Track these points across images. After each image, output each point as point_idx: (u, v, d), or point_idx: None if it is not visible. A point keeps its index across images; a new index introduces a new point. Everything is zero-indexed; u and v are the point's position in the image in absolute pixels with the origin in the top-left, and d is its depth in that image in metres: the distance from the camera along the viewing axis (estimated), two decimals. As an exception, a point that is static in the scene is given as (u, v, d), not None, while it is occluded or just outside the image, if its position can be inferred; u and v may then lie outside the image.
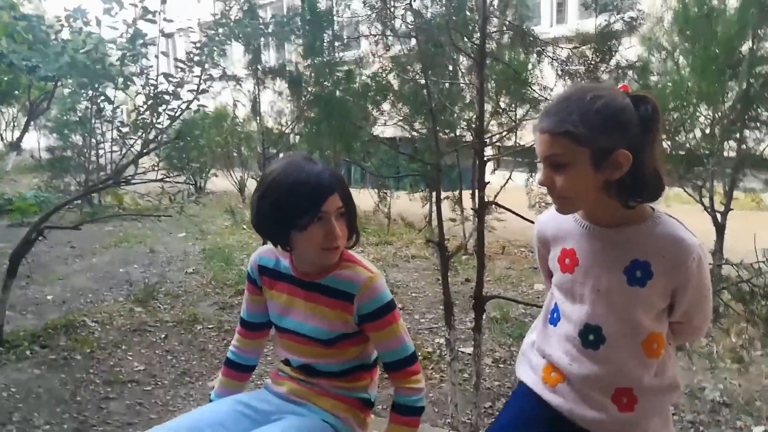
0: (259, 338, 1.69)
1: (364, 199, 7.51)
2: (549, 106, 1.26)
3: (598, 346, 1.32)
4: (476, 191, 2.38)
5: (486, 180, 2.49)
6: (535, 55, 2.49)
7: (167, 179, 3.85)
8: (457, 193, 5.18)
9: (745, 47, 3.77)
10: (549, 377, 1.41)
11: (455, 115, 2.88)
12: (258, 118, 4.65)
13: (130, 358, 3.61)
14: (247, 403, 1.54)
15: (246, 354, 1.70)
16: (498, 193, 2.73)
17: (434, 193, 2.97)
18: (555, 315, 1.43)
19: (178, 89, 3.63)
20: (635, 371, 1.31)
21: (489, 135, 2.96)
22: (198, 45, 3.49)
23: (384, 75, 3.09)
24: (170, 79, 3.63)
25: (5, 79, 9.76)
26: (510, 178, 3.20)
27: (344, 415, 1.53)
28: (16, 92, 11.71)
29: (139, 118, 3.86)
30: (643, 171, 1.20)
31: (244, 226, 7.29)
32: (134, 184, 3.75)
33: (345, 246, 1.49)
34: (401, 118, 3.03)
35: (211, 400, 1.69)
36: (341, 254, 1.50)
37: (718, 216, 3.96)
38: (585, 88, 1.27)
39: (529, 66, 2.69)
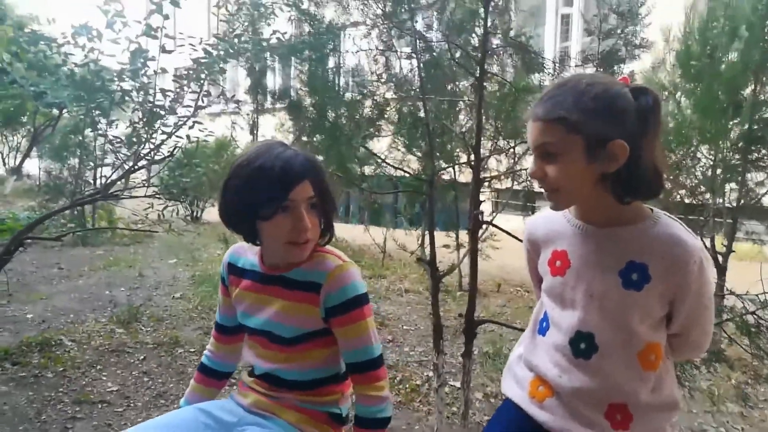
0: (234, 343, 1.57)
1: (358, 233, 7.46)
2: (543, 94, 1.19)
3: (590, 356, 1.21)
4: (471, 210, 2.29)
5: (481, 200, 2.40)
6: (535, 76, 2.46)
7: (158, 194, 3.76)
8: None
9: (747, 90, 3.76)
10: (536, 391, 1.29)
11: (452, 134, 2.82)
12: (255, 141, 4.60)
13: (104, 378, 3.45)
14: (210, 413, 1.42)
15: (220, 359, 1.59)
16: (494, 216, 2.64)
17: (428, 213, 2.89)
18: (544, 324, 1.32)
19: (175, 105, 3.59)
20: (630, 385, 1.19)
21: (487, 156, 2.90)
22: (197, 60, 3.48)
23: (383, 95, 3.05)
24: (167, 94, 3.60)
25: (12, 105, 9.83)
26: (506, 201, 3.13)
27: (311, 430, 1.39)
28: (23, 118, 11.77)
29: (134, 133, 3.81)
30: (640, 165, 1.12)
31: (237, 255, 7.17)
32: (123, 198, 3.66)
33: (318, 242, 1.36)
34: (396, 133, 2.97)
35: (180, 407, 1.57)
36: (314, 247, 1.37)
37: (720, 258, 3.87)
38: (582, 75, 1.20)
39: (531, 89, 2.65)
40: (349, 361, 1.37)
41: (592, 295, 1.21)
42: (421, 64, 2.71)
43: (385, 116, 2.91)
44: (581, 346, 1.22)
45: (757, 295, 2.16)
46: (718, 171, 3.90)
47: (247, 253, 1.46)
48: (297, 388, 1.40)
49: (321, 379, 1.41)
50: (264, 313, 1.39)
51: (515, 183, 3.86)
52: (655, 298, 1.17)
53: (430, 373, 3.49)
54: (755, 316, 2.15)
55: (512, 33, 2.95)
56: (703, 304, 1.19)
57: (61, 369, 3.50)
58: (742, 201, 3.93)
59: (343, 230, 8.66)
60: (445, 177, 4.70)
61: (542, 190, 1.21)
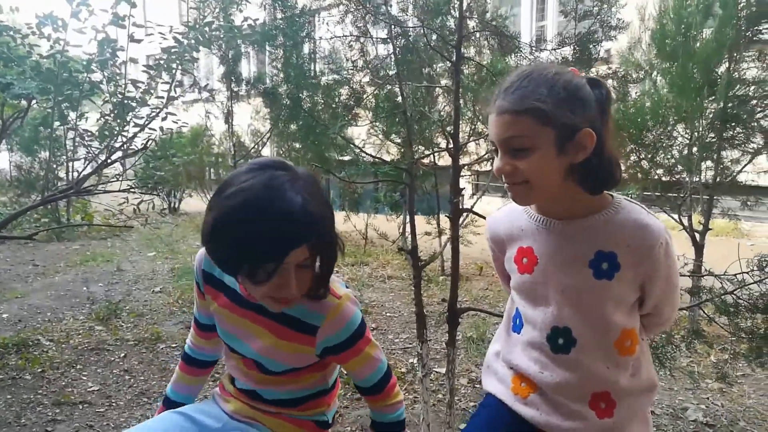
0: (215, 337, 1.48)
1: (339, 220, 7.41)
2: (505, 85, 1.13)
3: (569, 350, 1.21)
4: (451, 198, 2.27)
5: (461, 187, 2.38)
6: (511, 58, 2.43)
7: (132, 189, 3.67)
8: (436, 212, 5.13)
9: (722, 68, 3.78)
10: (519, 388, 1.28)
11: (429, 120, 2.78)
12: (230, 130, 4.51)
13: (84, 378, 3.39)
14: (193, 418, 1.38)
15: (202, 350, 1.53)
16: (474, 203, 2.62)
17: (407, 202, 2.87)
18: (518, 321, 1.31)
19: (146, 96, 3.49)
20: (611, 373, 1.20)
21: (465, 142, 2.88)
22: (167, 49, 3.38)
23: (359, 83, 3.00)
24: (138, 85, 3.50)
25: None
26: (485, 190, 3.11)
27: None
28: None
29: (105, 126, 3.71)
30: (604, 154, 1.12)
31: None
32: (97, 193, 3.57)
33: (304, 296, 1.21)
34: (374, 122, 2.92)
35: (166, 396, 1.53)
36: None
37: (697, 236, 3.91)
38: (544, 65, 1.16)
39: (507, 70, 2.62)
40: (363, 386, 1.35)
41: (564, 289, 1.20)
42: (397, 50, 2.66)
43: (362, 103, 2.85)
44: (559, 341, 1.22)
45: (735, 275, 2.18)
46: (695, 149, 3.92)
47: None
48: (282, 406, 1.36)
49: (307, 396, 1.37)
50: (250, 342, 1.30)
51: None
52: (627, 285, 1.18)
53: (415, 361, 3.49)
54: (733, 296, 2.17)
55: (488, 15, 2.91)
56: (672, 282, 1.22)
57: (40, 370, 3.43)
58: (718, 178, 3.97)
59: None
60: (426, 161, 4.67)
61: (506, 185, 1.16)
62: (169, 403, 1.52)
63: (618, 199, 1.19)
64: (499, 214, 1.33)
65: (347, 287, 1.32)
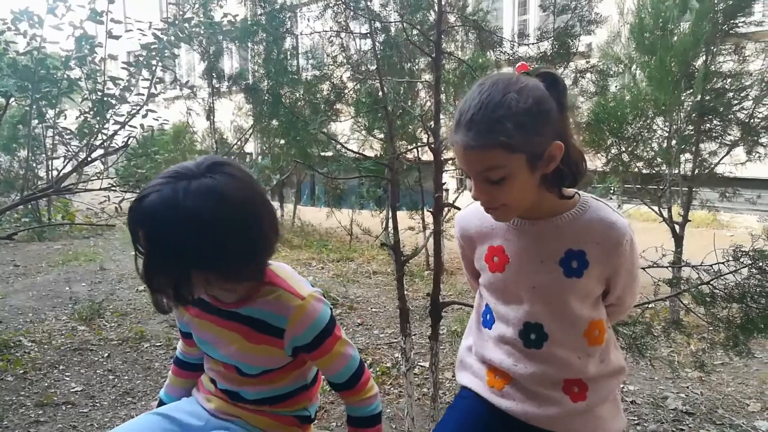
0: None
1: (324, 216, 7.39)
2: (467, 114, 1.07)
3: (541, 345, 1.24)
4: (434, 192, 2.28)
5: (443, 182, 2.39)
6: (491, 52, 2.44)
7: (113, 188, 3.64)
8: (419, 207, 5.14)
9: (699, 61, 3.83)
10: (494, 380, 1.31)
11: (411, 115, 2.79)
12: (212, 127, 4.48)
13: (68, 379, 3.36)
14: (174, 418, 1.38)
15: (192, 355, 1.53)
16: (456, 198, 2.64)
17: (390, 197, 2.87)
18: (488, 317, 1.33)
19: (126, 93, 3.45)
20: (581, 362, 1.24)
21: (445, 138, 2.89)
22: (146, 46, 3.34)
23: (340, 78, 2.99)
24: (117, 82, 3.46)
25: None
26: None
27: None
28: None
29: (85, 123, 3.66)
30: (571, 154, 1.13)
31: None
32: (77, 192, 3.53)
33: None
34: (355, 117, 2.92)
35: (160, 400, 1.54)
36: (264, 275, 1.24)
37: (677, 227, 3.97)
38: (501, 86, 1.07)
39: (487, 64, 2.64)
40: (336, 382, 1.35)
41: (535, 287, 1.22)
42: (378, 45, 2.66)
43: (343, 99, 2.85)
44: (531, 336, 1.24)
45: (711, 266, 2.22)
46: (673, 142, 3.98)
47: None
48: (262, 404, 1.37)
49: (289, 393, 1.38)
50: (223, 349, 1.31)
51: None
52: (594, 280, 1.21)
53: (399, 355, 3.51)
54: (710, 286, 2.21)
55: (469, 9, 2.92)
56: (634, 274, 1.26)
57: (22, 371, 3.40)
58: (697, 170, 4.03)
59: (308, 214, 8.59)
60: (410, 156, 4.68)
61: (485, 206, 1.16)
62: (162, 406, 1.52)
63: (585, 197, 1.22)
64: (468, 211, 1.33)
65: (312, 286, 1.31)
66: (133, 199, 1.13)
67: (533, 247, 1.22)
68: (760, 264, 2.13)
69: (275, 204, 7.58)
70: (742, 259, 2.16)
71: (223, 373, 1.37)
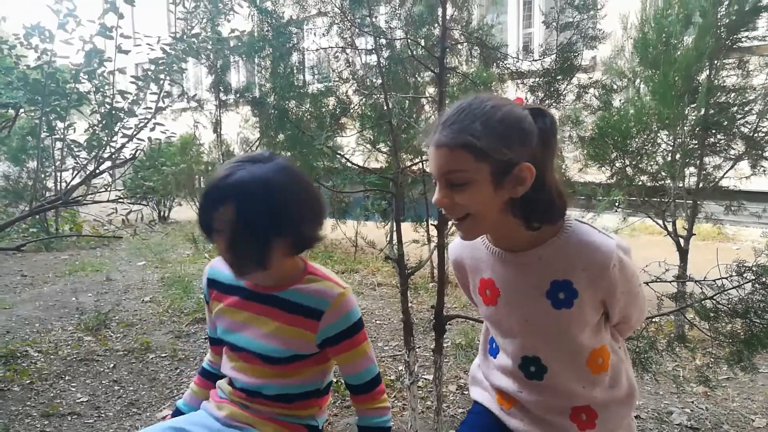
0: None
1: (327, 227, 7.41)
2: (443, 118, 1.11)
3: (542, 377, 1.22)
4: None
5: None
6: (495, 68, 2.47)
7: (121, 200, 3.68)
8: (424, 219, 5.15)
9: (702, 76, 3.84)
10: (503, 400, 1.32)
11: (415, 129, 2.82)
12: (219, 139, 4.53)
13: (73, 389, 3.38)
14: (183, 430, 1.40)
15: (218, 365, 1.57)
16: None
17: (394, 210, 2.90)
18: (494, 346, 1.34)
19: (134, 107, 3.50)
20: (586, 391, 1.22)
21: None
22: (154, 60, 3.40)
23: (345, 93, 3.03)
24: (126, 96, 3.51)
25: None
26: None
27: None
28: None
29: (93, 136, 3.71)
30: (545, 187, 1.09)
31: (206, 255, 7.08)
32: (85, 204, 3.57)
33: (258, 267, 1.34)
34: (360, 131, 2.95)
35: (176, 408, 1.59)
36: (304, 266, 1.38)
37: (681, 241, 3.96)
38: (483, 97, 1.12)
39: (491, 79, 2.66)
40: (354, 383, 1.40)
41: (528, 320, 1.20)
42: (382, 60, 2.70)
43: (348, 113, 2.89)
44: (531, 369, 1.23)
45: (714, 281, 2.22)
46: (677, 156, 3.98)
47: (227, 269, 1.42)
48: (278, 401, 1.39)
49: (303, 394, 1.41)
50: (252, 332, 1.37)
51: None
52: (587, 308, 1.17)
53: (404, 369, 3.51)
54: (713, 301, 2.21)
55: (474, 24, 2.95)
56: (633, 292, 1.20)
57: (28, 381, 3.42)
58: (701, 184, 4.04)
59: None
60: (415, 168, 4.71)
61: (449, 216, 1.16)
62: (178, 415, 1.55)
63: (569, 222, 1.16)
64: (461, 242, 1.31)
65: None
66: (209, 181, 1.27)
67: (519, 279, 1.19)
68: (764, 279, 2.13)
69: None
70: (745, 275, 2.17)
71: (245, 367, 1.39)
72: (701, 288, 2.27)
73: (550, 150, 1.10)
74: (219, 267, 1.47)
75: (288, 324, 1.34)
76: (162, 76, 3.52)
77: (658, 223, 4.08)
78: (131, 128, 3.91)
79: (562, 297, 1.15)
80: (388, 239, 4.44)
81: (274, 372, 1.37)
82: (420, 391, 3.15)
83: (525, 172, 1.07)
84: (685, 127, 3.96)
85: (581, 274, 1.13)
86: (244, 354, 1.40)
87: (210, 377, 1.60)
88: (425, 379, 3.35)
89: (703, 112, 3.81)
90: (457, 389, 3.31)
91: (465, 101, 1.12)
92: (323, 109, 2.99)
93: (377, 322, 4.66)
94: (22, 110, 3.96)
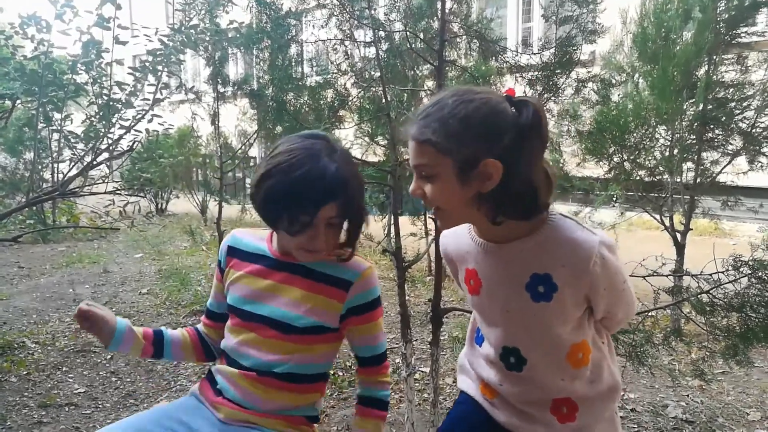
0: (221, 329, 1.52)
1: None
2: (418, 110, 1.14)
3: (521, 368, 1.23)
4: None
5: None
6: (494, 61, 2.46)
7: (118, 191, 3.67)
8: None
9: (701, 71, 3.85)
10: (486, 390, 1.33)
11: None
12: (217, 131, 4.52)
13: (71, 380, 3.39)
14: (185, 423, 1.38)
15: (208, 336, 1.56)
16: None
17: (392, 203, 2.90)
18: (480, 334, 1.35)
19: (131, 98, 3.49)
20: (566, 384, 1.22)
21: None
22: (152, 52, 3.38)
23: (343, 85, 3.02)
24: (123, 87, 3.50)
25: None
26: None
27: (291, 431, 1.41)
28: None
29: (91, 127, 3.70)
30: (514, 184, 1.06)
31: (203, 247, 7.09)
32: (82, 195, 3.56)
33: (331, 255, 1.38)
34: (358, 124, 2.95)
35: (160, 330, 1.53)
36: None
37: (678, 236, 3.98)
38: (457, 91, 1.11)
39: (490, 72, 2.66)
40: (365, 355, 1.45)
41: (508, 311, 1.21)
42: (381, 53, 2.69)
43: (347, 106, 2.88)
44: (510, 360, 1.24)
45: (710, 275, 2.23)
46: (675, 151, 3.99)
47: (251, 238, 1.45)
48: (288, 382, 1.38)
49: (312, 376, 1.42)
50: (274, 301, 1.37)
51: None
52: (568, 303, 1.16)
53: (400, 360, 3.52)
54: (709, 295, 2.22)
55: (473, 17, 2.94)
56: (618, 288, 1.18)
57: (25, 372, 3.43)
58: (699, 179, 4.04)
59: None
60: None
61: (426, 205, 1.17)
62: (160, 336, 1.51)
63: (553, 217, 1.16)
64: (448, 233, 1.32)
65: None
66: (308, 172, 1.23)
67: (500, 271, 1.19)
68: (760, 274, 2.14)
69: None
70: (741, 269, 2.17)
71: (257, 340, 1.37)
72: (698, 282, 2.28)
73: (529, 144, 1.07)
74: (241, 236, 1.46)
75: (314, 292, 1.35)
76: (160, 67, 3.50)
77: (655, 218, 4.10)
78: (129, 120, 3.90)
79: (542, 290, 1.15)
80: (385, 232, 4.44)
81: (288, 347, 1.35)
82: (417, 384, 3.16)
83: (490, 169, 1.06)
84: (683, 122, 3.96)
85: (562, 270, 1.13)
86: (261, 325, 1.37)
87: (201, 340, 1.55)
88: (422, 371, 3.36)
89: (701, 107, 3.82)
90: (453, 382, 3.33)
91: (441, 94, 1.13)
92: (321, 102, 2.99)
93: (374, 315, 4.67)
94: (18, 101, 3.94)
